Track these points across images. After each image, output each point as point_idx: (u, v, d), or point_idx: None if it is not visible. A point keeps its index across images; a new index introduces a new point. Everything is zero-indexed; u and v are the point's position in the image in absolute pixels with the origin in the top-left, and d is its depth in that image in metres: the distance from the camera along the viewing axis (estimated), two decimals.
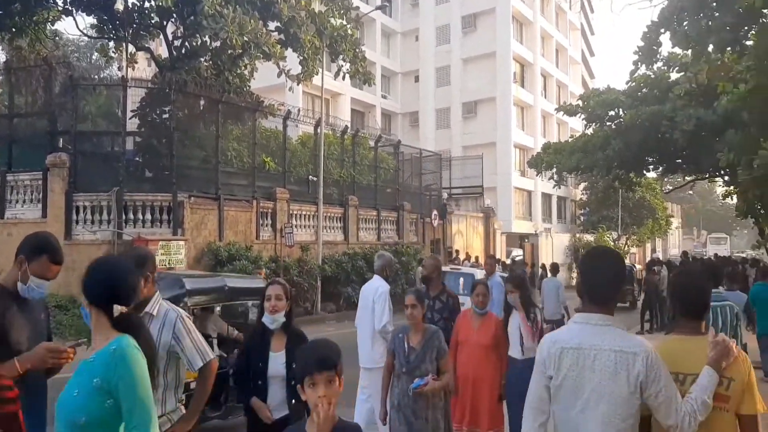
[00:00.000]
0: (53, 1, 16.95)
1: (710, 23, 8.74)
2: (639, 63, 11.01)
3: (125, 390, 2.20)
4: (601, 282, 2.51)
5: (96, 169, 14.91)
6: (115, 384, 2.20)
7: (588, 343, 2.40)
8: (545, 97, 42.37)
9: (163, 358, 3.22)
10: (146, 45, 18.33)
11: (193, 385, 3.58)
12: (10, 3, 16.10)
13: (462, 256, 25.32)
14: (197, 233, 14.99)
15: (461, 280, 13.07)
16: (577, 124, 34.44)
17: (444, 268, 16.28)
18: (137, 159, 16.44)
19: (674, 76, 18.01)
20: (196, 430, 3.31)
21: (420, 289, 4.81)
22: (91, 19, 17.60)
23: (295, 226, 17.61)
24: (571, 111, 22.55)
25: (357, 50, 18.90)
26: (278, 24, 17.12)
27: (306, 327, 8.05)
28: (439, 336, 4.38)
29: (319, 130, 18.95)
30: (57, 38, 21.86)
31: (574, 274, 33.53)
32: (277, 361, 3.62)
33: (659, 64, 16.91)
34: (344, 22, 18.74)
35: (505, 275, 9.00)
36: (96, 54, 25.06)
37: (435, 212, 23.54)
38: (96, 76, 20.64)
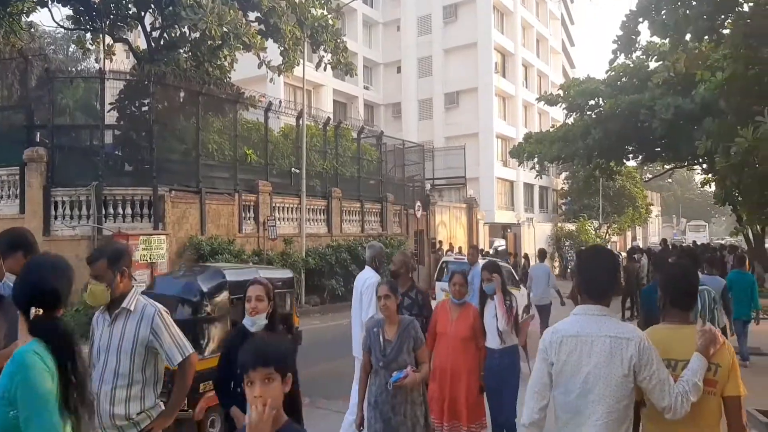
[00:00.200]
0: None
1: (687, 12, 8.78)
2: (618, 52, 11.04)
3: (22, 398, 2.09)
4: (597, 277, 2.73)
5: (74, 163, 14.65)
6: (14, 393, 2.10)
7: (586, 331, 2.61)
8: (526, 87, 42.53)
9: (142, 354, 3.18)
10: (124, 36, 18.01)
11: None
12: None
13: (446, 247, 25.43)
14: (179, 227, 14.84)
15: (462, 268, 13.17)
16: (558, 114, 34.65)
17: (447, 259, 16.36)
18: (116, 152, 16.19)
19: (653, 65, 18.16)
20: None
21: (393, 280, 4.59)
22: (67, 10, 17.23)
23: (278, 219, 17.53)
24: (552, 101, 22.66)
25: (338, 41, 18.76)
26: (258, 14, 16.93)
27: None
28: (414, 326, 4.22)
29: (301, 122, 18.83)
30: (32, 30, 21.39)
31: (557, 263, 33.84)
32: None
33: (638, 53, 17.03)
34: (325, 13, 18.59)
35: None
36: (73, 46, 24.58)
37: (418, 203, 23.57)
38: (73, 69, 20.33)
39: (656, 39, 15.70)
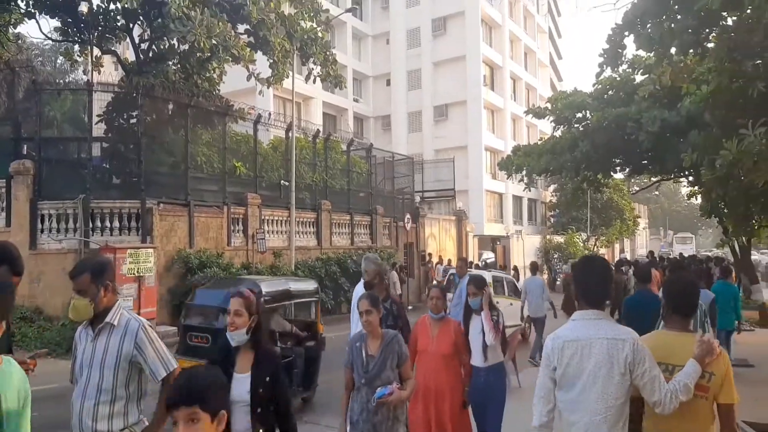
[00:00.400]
0: (15, 3, 16.50)
1: (672, 26, 8.88)
2: (604, 66, 11.13)
3: None
4: (592, 284, 2.95)
5: (61, 176, 14.53)
6: None
7: (584, 335, 2.81)
8: (515, 100, 42.85)
9: (125, 369, 3.13)
10: (112, 48, 17.97)
11: None
12: None
13: (435, 260, 25.42)
14: (167, 240, 14.73)
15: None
16: (546, 127, 34.86)
17: (453, 271, 16.36)
18: (104, 165, 16.09)
19: (639, 78, 18.32)
20: None
21: (373, 293, 4.41)
22: (55, 22, 17.20)
23: (268, 232, 17.46)
24: (539, 113, 22.79)
25: (328, 53, 18.81)
26: (247, 27, 16.95)
27: None
28: (398, 340, 4.06)
29: (290, 134, 18.82)
30: (20, 42, 21.31)
31: (545, 275, 33.90)
32: (241, 384, 3.19)
33: (624, 66, 17.19)
34: (314, 25, 18.65)
35: None
36: (60, 58, 24.50)
37: (408, 216, 23.58)
38: (61, 81, 20.22)
39: (642, 52, 15.89)
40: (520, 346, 10.47)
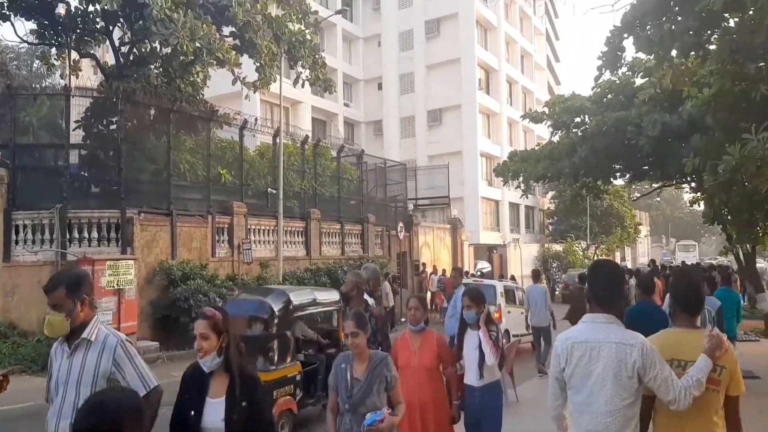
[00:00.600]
0: None
1: (673, 28, 8.96)
2: (603, 69, 11.21)
3: None
4: (604, 288, 3.14)
5: (37, 184, 14.45)
6: None
7: (594, 338, 3.00)
8: (511, 104, 43.08)
9: (103, 386, 3.09)
10: (91, 51, 17.91)
11: None
12: None
13: (429, 269, 25.42)
14: (148, 252, 14.65)
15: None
16: (543, 132, 35.06)
17: (466, 281, 16.51)
18: (82, 173, 16.02)
19: (639, 81, 18.45)
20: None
21: (360, 311, 4.26)
22: (31, 24, 17.12)
23: (254, 242, 17.40)
24: (536, 118, 22.89)
25: (317, 56, 18.87)
26: (233, 29, 16.98)
27: None
28: (387, 363, 3.94)
29: (278, 140, 18.81)
30: None
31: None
32: (214, 410, 3.04)
33: (624, 69, 17.28)
34: (303, 27, 18.70)
35: None
36: (37, 61, 24.38)
37: (401, 224, 23.57)
38: (37, 85, 20.09)
39: (642, 55, 16.03)
40: (516, 358, 10.46)
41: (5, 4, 15.91)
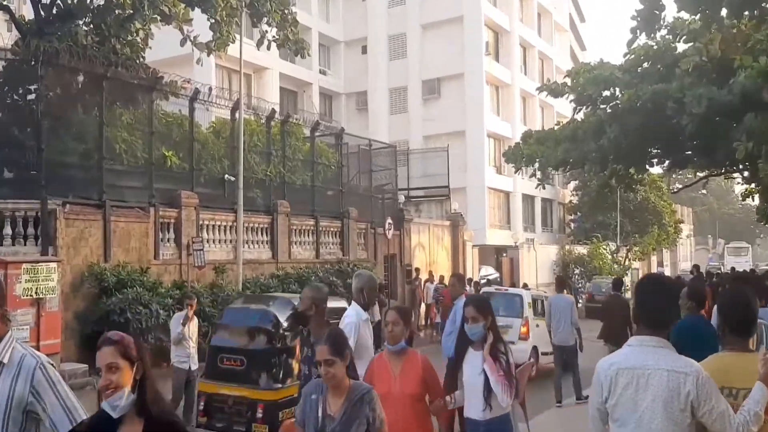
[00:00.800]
0: None
1: None
2: (638, 31, 11.29)
3: None
4: (656, 308, 3.28)
5: None
6: None
7: (642, 364, 3.15)
8: (525, 74, 43.24)
9: (18, 420, 3.06)
10: (3, 2, 17.74)
11: None
12: None
13: (423, 276, 25.48)
14: (75, 252, 14.56)
15: (504, 300, 14.68)
16: (564, 108, 35.21)
17: (488, 289, 16.63)
18: None
19: (681, 47, 18.60)
20: None
21: (337, 333, 4.19)
22: None
23: (207, 241, 17.36)
24: (556, 91, 22.98)
25: (286, 11, 18.79)
26: None
27: None
28: (370, 399, 3.84)
29: (237, 115, 18.76)
30: None
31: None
32: None
33: (663, 32, 17.44)
34: None
35: None
36: None
37: (389, 220, 23.60)
38: None
39: (685, 14, 16.15)
40: (531, 383, 10.52)
41: None
